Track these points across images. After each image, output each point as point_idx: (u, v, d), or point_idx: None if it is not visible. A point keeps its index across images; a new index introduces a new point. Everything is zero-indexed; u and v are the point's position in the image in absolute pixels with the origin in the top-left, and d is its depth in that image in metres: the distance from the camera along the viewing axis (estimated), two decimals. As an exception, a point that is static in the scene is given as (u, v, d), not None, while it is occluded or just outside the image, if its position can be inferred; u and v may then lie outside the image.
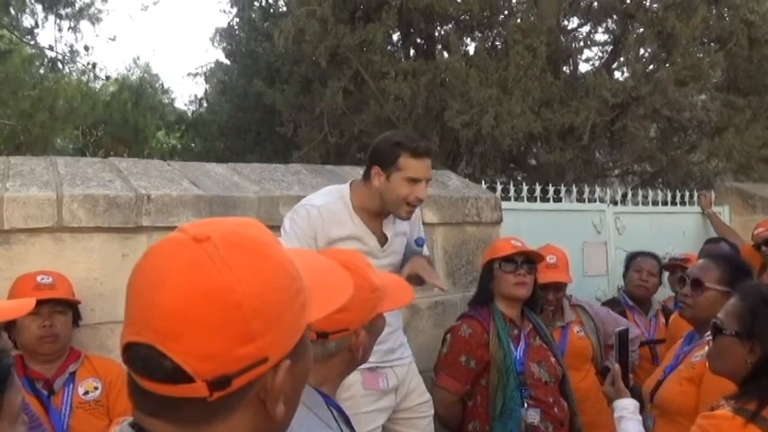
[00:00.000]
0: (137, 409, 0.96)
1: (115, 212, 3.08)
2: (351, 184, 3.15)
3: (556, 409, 3.44)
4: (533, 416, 3.33)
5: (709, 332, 2.33)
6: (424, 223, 3.91)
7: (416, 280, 3.20)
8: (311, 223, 2.94)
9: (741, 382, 2.14)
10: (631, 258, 4.68)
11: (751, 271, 3.03)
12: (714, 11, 9.44)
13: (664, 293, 4.92)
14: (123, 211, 3.10)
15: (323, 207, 2.98)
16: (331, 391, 1.84)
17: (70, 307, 2.92)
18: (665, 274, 4.84)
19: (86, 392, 2.90)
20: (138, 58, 21.90)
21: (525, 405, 3.34)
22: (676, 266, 4.63)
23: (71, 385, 2.89)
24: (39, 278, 2.84)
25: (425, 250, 3.36)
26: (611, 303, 4.63)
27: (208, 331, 0.89)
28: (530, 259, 3.55)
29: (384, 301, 1.78)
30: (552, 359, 3.54)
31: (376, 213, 3.07)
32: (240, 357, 0.90)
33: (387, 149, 3.00)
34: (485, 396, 3.40)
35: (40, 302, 2.58)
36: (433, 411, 3.25)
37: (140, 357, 0.91)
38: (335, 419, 1.75)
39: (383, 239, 3.09)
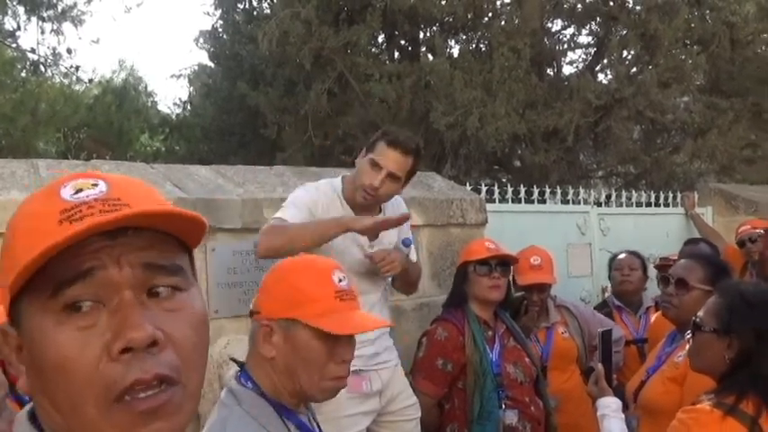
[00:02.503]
0: None
1: (97, 215, 3.05)
2: (342, 177, 3.20)
3: (532, 408, 3.45)
4: (511, 417, 3.33)
5: (689, 330, 2.35)
6: (408, 225, 3.92)
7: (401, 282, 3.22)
8: (310, 197, 3.01)
9: (719, 377, 2.17)
10: (612, 259, 4.71)
11: (731, 271, 3.06)
12: (696, 13, 9.51)
13: (656, 291, 4.92)
14: (105, 214, 3.07)
15: (320, 189, 3.07)
16: (290, 404, 1.77)
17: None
18: (656, 274, 4.85)
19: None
20: (123, 61, 21.80)
21: (503, 406, 3.34)
22: (668, 266, 4.64)
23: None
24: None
25: (413, 251, 3.36)
26: (601, 307, 4.64)
27: None
28: (504, 262, 3.55)
29: (300, 307, 1.74)
30: (527, 359, 3.55)
31: (364, 206, 3.08)
32: None
33: (376, 135, 3.09)
34: (462, 399, 3.39)
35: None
36: (419, 414, 3.24)
37: None
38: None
39: (372, 235, 3.09)
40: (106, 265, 0.82)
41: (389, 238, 3.16)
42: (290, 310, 1.73)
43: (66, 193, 0.85)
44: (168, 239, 0.87)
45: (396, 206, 3.27)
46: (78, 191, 0.85)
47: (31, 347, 0.83)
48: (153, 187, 0.95)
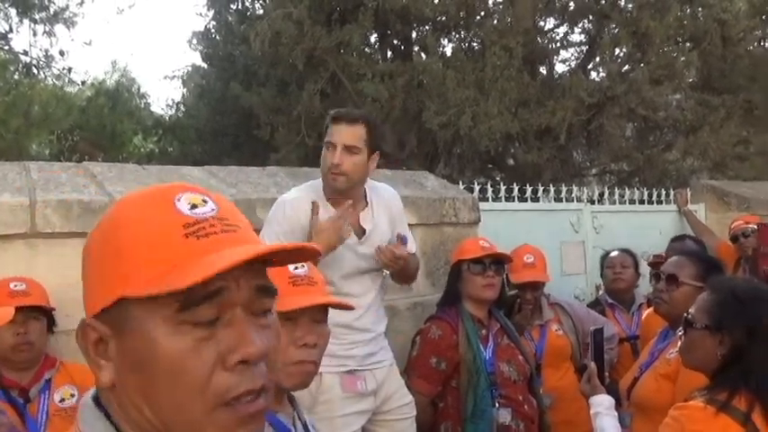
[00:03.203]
0: None
1: (89, 218, 3.05)
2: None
3: (526, 407, 3.45)
4: (504, 415, 3.33)
5: (681, 327, 2.36)
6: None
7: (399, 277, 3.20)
8: (286, 217, 2.96)
9: (712, 374, 2.18)
10: (605, 257, 4.72)
11: (723, 267, 3.07)
12: (688, 10, 9.54)
13: (648, 288, 4.93)
14: (98, 217, 3.03)
15: (295, 200, 3.01)
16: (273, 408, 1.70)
17: (45, 313, 2.88)
18: (649, 271, 4.87)
19: (62, 400, 2.87)
20: (116, 62, 21.73)
21: (496, 405, 3.35)
22: (661, 263, 4.65)
23: (47, 393, 2.85)
24: (12, 285, 2.80)
25: (412, 242, 3.30)
26: (593, 305, 4.65)
27: None
28: (498, 260, 3.56)
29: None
30: (520, 357, 3.55)
31: (348, 199, 3.05)
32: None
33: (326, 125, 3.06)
34: (455, 397, 3.40)
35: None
36: (415, 413, 3.24)
37: None
38: None
39: (360, 232, 3.08)
40: (231, 286, 0.89)
41: (381, 235, 3.13)
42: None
43: (184, 206, 0.92)
44: (267, 264, 0.96)
45: (385, 199, 3.23)
46: (193, 206, 0.92)
47: (137, 349, 0.89)
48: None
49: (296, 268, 1.73)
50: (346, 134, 2.98)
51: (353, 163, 2.98)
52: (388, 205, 3.22)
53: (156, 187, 0.97)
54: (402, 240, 3.14)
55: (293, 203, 2.99)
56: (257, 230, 3.04)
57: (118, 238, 0.91)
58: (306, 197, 3.03)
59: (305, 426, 1.70)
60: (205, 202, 0.93)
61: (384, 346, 3.21)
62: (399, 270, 3.14)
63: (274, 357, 0.95)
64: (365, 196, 3.16)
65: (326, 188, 3.05)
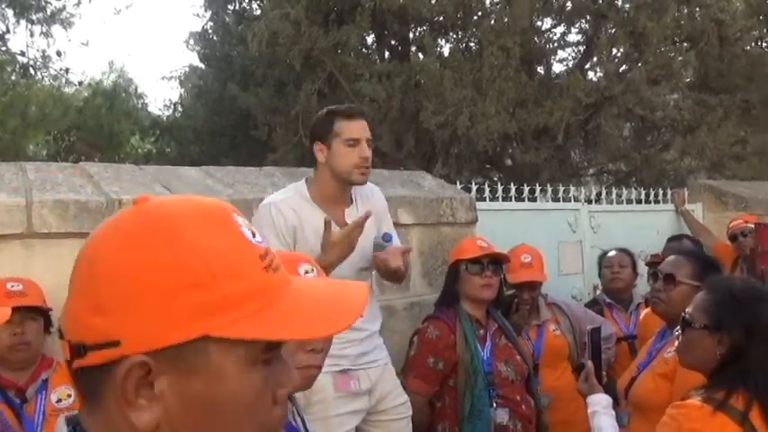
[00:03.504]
0: None
1: (86, 218, 3.04)
2: (306, 179, 3.16)
3: (523, 407, 3.46)
4: (502, 415, 3.33)
5: (678, 327, 2.36)
6: (399, 224, 3.91)
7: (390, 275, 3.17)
8: (274, 221, 2.94)
9: (709, 373, 2.18)
10: (602, 257, 4.72)
11: (720, 267, 3.08)
12: (685, 10, 9.55)
13: (646, 288, 4.94)
14: (94, 217, 3.06)
15: (281, 202, 2.99)
16: None
17: (41, 314, 2.88)
18: (647, 271, 4.87)
19: (59, 400, 2.86)
20: (113, 63, 21.73)
21: (494, 405, 3.34)
22: (659, 263, 4.65)
23: (44, 393, 2.85)
24: (8, 285, 2.80)
25: (397, 241, 3.24)
26: (591, 305, 4.65)
27: (73, 287, 0.86)
28: (496, 260, 3.56)
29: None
30: (518, 357, 3.55)
31: (333, 200, 3.06)
32: (93, 328, 0.81)
33: (321, 121, 3.06)
34: (453, 397, 3.40)
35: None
36: (410, 413, 3.23)
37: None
38: None
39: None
40: None
41: (367, 232, 3.06)
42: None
43: (248, 234, 0.88)
44: None
45: (369, 196, 3.23)
46: (253, 234, 0.88)
47: (206, 389, 0.82)
48: None
49: (306, 272, 1.72)
50: (365, 129, 3.03)
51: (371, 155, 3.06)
52: (372, 202, 3.21)
53: (204, 203, 0.89)
54: (385, 239, 3.12)
55: (279, 205, 2.98)
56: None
57: (189, 266, 0.82)
58: (291, 199, 3.02)
59: (303, 422, 1.71)
60: (249, 227, 0.89)
61: (378, 344, 3.19)
62: (387, 270, 3.09)
63: None
64: (350, 193, 3.16)
65: (317, 196, 3.04)
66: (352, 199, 3.15)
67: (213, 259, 0.83)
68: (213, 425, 0.84)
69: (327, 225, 2.88)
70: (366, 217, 2.90)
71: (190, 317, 0.80)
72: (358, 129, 3.01)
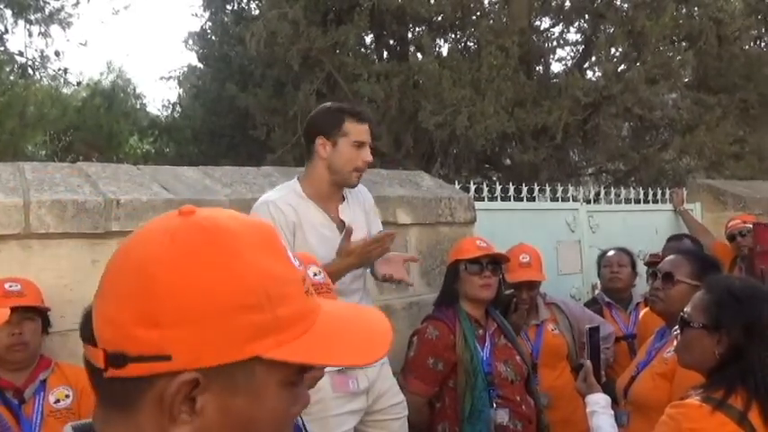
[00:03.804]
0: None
1: (84, 218, 3.04)
2: (298, 177, 3.17)
3: (523, 407, 3.45)
4: (502, 416, 3.33)
5: (677, 326, 2.35)
6: (397, 224, 3.92)
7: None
8: (274, 219, 2.93)
9: (708, 373, 2.18)
10: (602, 256, 4.72)
11: (720, 266, 3.07)
12: (683, 9, 9.55)
13: (645, 287, 4.93)
14: (92, 217, 3.06)
15: (279, 200, 2.99)
16: None
17: (39, 314, 2.87)
18: (645, 270, 4.87)
19: (57, 401, 2.86)
20: (111, 63, 21.72)
21: (494, 405, 3.34)
22: (658, 262, 4.64)
23: (42, 393, 2.84)
24: (6, 285, 2.79)
25: None
26: (591, 304, 4.65)
27: (118, 294, 0.83)
28: (495, 260, 3.56)
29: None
30: (517, 357, 3.55)
31: (328, 197, 3.08)
32: (140, 339, 0.80)
33: (329, 116, 3.05)
34: (453, 397, 3.39)
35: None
36: (406, 412, 3.22)
37: (86, 315, 0.90)
38: None
39: (341, 225, 3.08)
40: None
41: (358, 228, 3.12)
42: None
43: (291, 256, 0.90)
44: None
45: (358, 193, 3.25)
46: (293, 256, 0.91)
47: (247, 408, 0.84)
48: None
49: (315, 275, 1.72)
50: (369, 134, 3.08)
51: None
52: (361, 199, 3.25)
53: (256, 224, 0.91)
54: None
55: (277, 203, 2.98)
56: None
57: (249, 287, 0.83)
58: (288, 196, 3.03)
59: (303, 422, 1.72)
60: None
61: None
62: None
63: None
64: (343, 191, 3.18)
65: (312, 193, 3.05)
66: (343, 196, 3.17)
67: (270, 282, 0.84)
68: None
69: (348, 233, 2.94)
70: (392, 235, 2.99)
71: (245, 337, 0.82)
72: (366, 132, 3.05)
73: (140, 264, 0.83)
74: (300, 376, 0.89)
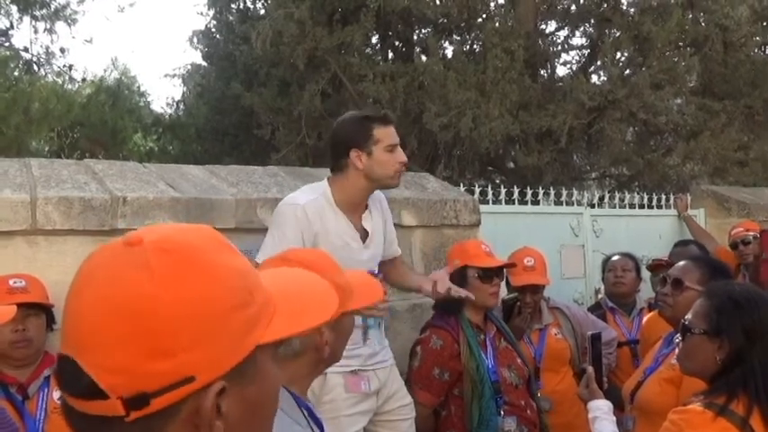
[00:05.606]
0: (69, 427, 0.88)
1: (90, 215, 3.05)
2: (328, 179, 3.13)
3: (528, 411, 3.43)
4: (510, 424, 3.30)
5: (679, 334, 2.36)
6: (401, 226, 3.92)
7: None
8: (297, 223, 2.92)
9: (710, 379, 2.18)
10: (606, 261, 4.71)
11: (730, 272, 3.06)
12: (689, 15, 9.55)
13: (649, 293, 4.93)
14: (98, 214, 3.07)
15: (307, 205, 2.96)
16: (300, 390, 1.82)
17: (44, 310, 2.87)
18: (649, 275, 4.87)
19: (61, 397, 2.85)
20: (116, 60, 21.72)
21: (501, 413, 3.32)
22: (660, 266, 4.64)
23: (46, 390, 2.84)
24: (11, 281, 2.79)
25: (398, 249, 3.45)
26: (594, 309, 4.64)
27: (116, 341, 0.81)
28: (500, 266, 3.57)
29: (350, 299, 1.72)
30: (518, 360, 3.54)
31: (355, 206, 3.08)
32: (157, 373, 0.81)
33: (358, 127, 3.04)
34: (459, 406, 3.36)
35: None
36: (414, 414, 3.22)
37: (64, 370, 0.85)
38: (306, 419, 1.75)
39: (364, 234, 3.08)
40: None
41: (378, 236, 3.16)
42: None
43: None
44: None
45: (377, 200, 3.26)
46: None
47: (257, 393, 0.90)
48: None
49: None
50: (396, 135, 3.10)
51: None
52: (380, 206, 3.25)
53: (202, 230, 0.94)
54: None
55: (306, 209, 2.94)
56: (260, 230, 3.04)
57: (233, 289, 0.88)
58: (317, 202, 2.99)
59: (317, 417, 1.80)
60: None
61: (386, 345, 3.21)
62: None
63: None
64: None
65: (341, 198, 3.05)
66: (366, 205, 3.16)
67: (245, 277, 0.91)
68: (261, 420, 0.94)
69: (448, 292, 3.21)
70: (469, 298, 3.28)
71: (244, 333, 0.87)
72: (394, 134, 3.07)
73: (128, 306, 0.82)
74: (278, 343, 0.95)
